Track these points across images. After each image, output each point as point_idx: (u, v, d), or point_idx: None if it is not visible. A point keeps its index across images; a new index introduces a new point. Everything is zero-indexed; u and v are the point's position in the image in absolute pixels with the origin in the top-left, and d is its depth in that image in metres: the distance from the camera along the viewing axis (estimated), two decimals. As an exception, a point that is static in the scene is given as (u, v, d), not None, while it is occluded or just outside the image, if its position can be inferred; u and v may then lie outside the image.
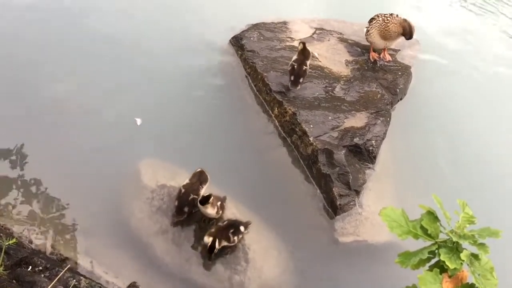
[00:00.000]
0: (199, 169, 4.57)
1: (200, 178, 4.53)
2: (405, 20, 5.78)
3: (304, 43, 5.51)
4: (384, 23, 5.79)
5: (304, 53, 5.45)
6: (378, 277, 4.38)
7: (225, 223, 4.29)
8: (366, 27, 6.05)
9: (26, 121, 5.12)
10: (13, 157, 4.80)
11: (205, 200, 4.25)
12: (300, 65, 5.40)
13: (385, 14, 5.88)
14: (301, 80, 5.44)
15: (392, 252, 4.31)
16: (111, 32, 6.23)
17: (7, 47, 5.84)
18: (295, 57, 5.47)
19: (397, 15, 5.85)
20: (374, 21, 5.91)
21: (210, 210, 4.31)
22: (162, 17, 6.59)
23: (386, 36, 5.83)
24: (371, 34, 5.93)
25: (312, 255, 4.51)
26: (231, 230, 4.25)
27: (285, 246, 4.54)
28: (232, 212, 4.59)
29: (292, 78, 5.45)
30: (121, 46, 6.08)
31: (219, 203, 4.39)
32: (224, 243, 4.24)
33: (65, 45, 5.97)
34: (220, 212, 4.43)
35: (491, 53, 6.95)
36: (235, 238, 4.27)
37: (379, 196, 4.92)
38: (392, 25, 5.76)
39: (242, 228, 4.32)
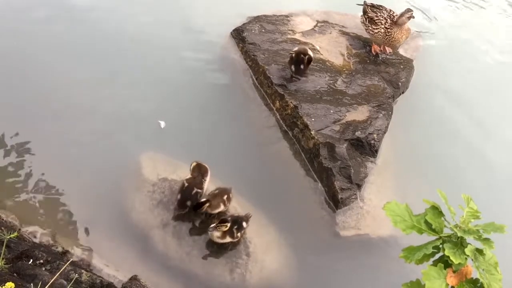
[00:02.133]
0: (194, 163, 4.54)
1: (200, 171, 4.51)
2: (405, 16, 5.74)
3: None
4: (387, 35, 5.75)
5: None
6: (379, 271, 4.39)
7: (229, 218, 4.26)
8: (363, 21, 6.00)
9: (28, 114, 5.09)
10: (14, 150, 4.78)
11: (199, 206, 4.28)
12: (298, 54, 5.39)
13: (385, 20, 5.79)
14: (302, 66, 5.42)
15: (393, 246, 4.35)
16: (111, 26, 6.18)
17: (12, 42, 5.80)
18: (295, 48, 5.48)
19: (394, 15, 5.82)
20: (377, 30, 5.83)
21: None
22: (162, 10, 6.53)
23: (394, 44, 5.85)
24: (377, 39, 5.90)
25: (313, 249, 4.52)
26: (235, 227, 4.23)
27: (286, 239, 4.54)
28: (233, 205, 4.59)
29: (292, 67, 5.46)
30: (122, 40, 6.03)
31: (225, 196, 4.38)
32: (229, 239, 4.23)
33: (66, 40, 5.92)
34: (228, 205, 4.43)
35: (495, 46, 6.91)
36: (238, 234, 4.27)
37: (380, 190, 4.92)
38: (396, 33, 5.73)
39: (244, 224, 4.30)
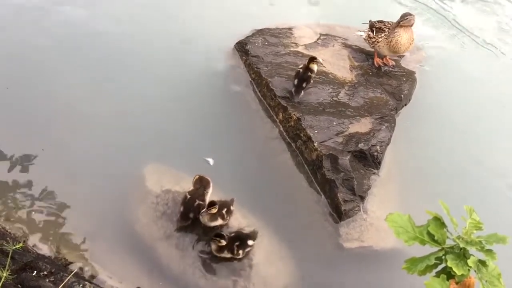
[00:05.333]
0: (197, 176, 4.55)
1: (202, 183, 4.52)
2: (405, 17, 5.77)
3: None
4: (390, 37, 5.77)
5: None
6: (383, 283, 4.38)
7: (232, 234, 4.25)
8: (368, 35, 6.04)
9: (32, 125, 5.12)
10: (18, 162, 4.81)
11: (211, 205, 4.27)
12: (305, 70, 5.42)
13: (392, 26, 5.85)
14: (304, 84, 5.45)
15: (397, 258, 4.32)
16: (115, 37, 6.24)
17: (18, 51, 5.87)
18: (302, 65, 5.53)
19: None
20: (381, 38, 5.86)
21: (215, 223, 4.35)
22: (166, 23, 6.59)
23: (397, 48, 5.84)
24: (380, 46, 5.92)
25: (317, 261, 4.51)
26: (236, 243, 4.21)
27: (289, 251, 4.53)
28: (236, 217, 4.59)
29: (295, 82, 5.47)
30: (125, 50, 6.09)
31: (224, 210, 4.38)
32: (229, 255, 4.23)
33: (73, 52, 5.97)
34: (228, 218, 4.43)
35: (498, 58, 6.93)
36: (240, 251, 4.23)
37: (383, 202, 4.91)
38: (398, 35, 5.75)
39: (250, 242, 4.27)
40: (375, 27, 5.97)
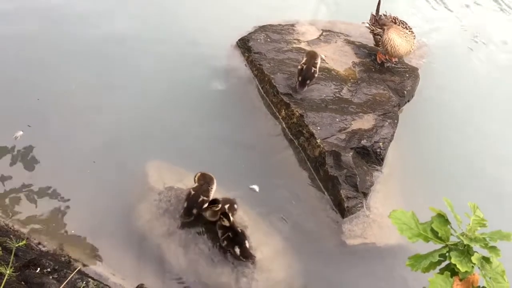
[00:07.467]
0: (199, 173, 4.54)
1: (205, 179, 4.52)
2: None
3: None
4: (387, 43, 5.77)
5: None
6: (386, 280, 4.37)
7: (232, 229, 4.26)
8: (374, 31, 6.03)
9: (34, 122, 5.12)
10: (21, 159, 4.81)
11: (213, 202, 4.32)
12: (309, 67, 5.40)
13: (402, 27, 5.82)
14: (308, 82, 5.44)
15: (400, 255, 4.34)
16: (117, 33, 6.22)
17: (17, 46, 5.87)
18: (304, 59, 5.50)
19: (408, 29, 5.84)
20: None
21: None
22: (167, 20, 6.58)
23: (395, 54, 5.86)
24: (381, 48, 5.92)
25: (320, 258, 4.50)
26: (223, 236, 4.23)
27: (292, 248, 4.53)
28: (238, 214, 4.57)
29: (299, 78, 5.45)
30: (128, 47, 6.08)
31: (227, 205, 4.39)
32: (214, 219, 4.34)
33: (72, 51, 5.96)
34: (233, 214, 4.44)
35: (502, 54, 6.91)
36: (225, 242, 4.25)
37: (386, 198, 4.91)
38: (386, 37, 5.76)
39: (237, 250, 4.23)
40: (374, 33, 5.98)
